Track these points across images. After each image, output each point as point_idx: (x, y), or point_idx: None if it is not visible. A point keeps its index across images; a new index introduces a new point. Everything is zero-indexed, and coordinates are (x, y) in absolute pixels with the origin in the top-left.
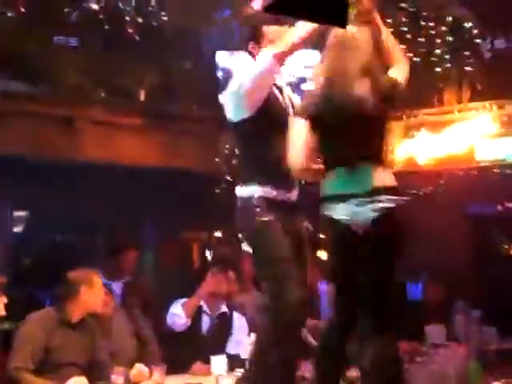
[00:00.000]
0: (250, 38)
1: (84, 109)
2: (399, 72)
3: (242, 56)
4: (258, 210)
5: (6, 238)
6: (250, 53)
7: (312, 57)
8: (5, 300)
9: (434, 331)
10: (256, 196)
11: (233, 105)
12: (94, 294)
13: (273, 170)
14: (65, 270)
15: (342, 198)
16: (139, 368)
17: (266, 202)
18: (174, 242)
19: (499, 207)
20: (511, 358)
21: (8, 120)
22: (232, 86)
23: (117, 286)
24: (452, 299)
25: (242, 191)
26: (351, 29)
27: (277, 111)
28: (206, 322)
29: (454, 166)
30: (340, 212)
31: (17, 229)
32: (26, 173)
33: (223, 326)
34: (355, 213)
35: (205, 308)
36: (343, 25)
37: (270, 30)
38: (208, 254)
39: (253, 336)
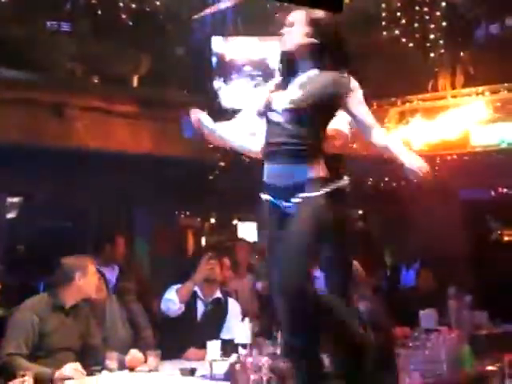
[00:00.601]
0: None
1: (76, 95)
2: None
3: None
4: None
5: (1, 225)
6: None
7: None
8: None
9: (427, 316)
10: None
11: None
12: (88, 280)
13: None
14: (58, 257)
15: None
16: (134, 354)
17: None
18: (168, 229)
19: (492, 192)
20: (503, 343)
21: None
22: None
23: (110, 272)
24: (445, 284)
25: None
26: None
27: None
28: (200, 308)
29: (448, 152)
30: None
31: (10, 215)
32: (18, 160)
33: (217, 312)
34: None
35: (199, 293)
36: (339, 8)
37: None
38: (202, 241)
39: (246, 321)
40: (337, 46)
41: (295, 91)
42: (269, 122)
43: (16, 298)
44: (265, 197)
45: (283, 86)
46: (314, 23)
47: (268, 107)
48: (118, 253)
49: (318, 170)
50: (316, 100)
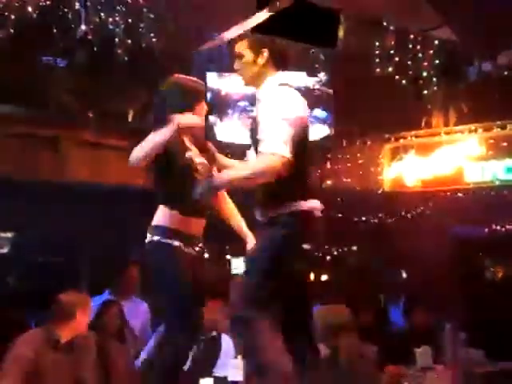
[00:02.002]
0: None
1: (71, 130)
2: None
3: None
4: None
5: None
6: None
7: None
8: None
9: (423, 354)
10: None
11: None
12: (86, 316)
13: None
14: (51, 292)
15: None
16: None
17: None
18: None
19: (486, 229)
20: (499, 381)
21: None
22: None
23: (128, 305)
24: (439, 322)
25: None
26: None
27: None
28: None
29: (441, 188)
30: None
31: (2, 250)
32: (11, 193)
33: (210, 349)
34: None
35: None
36: (333, 45)
37: None
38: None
39: (239, 358)
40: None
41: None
42: None
43: (5, 332)
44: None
45: None
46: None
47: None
48: (130, 284)
49: None
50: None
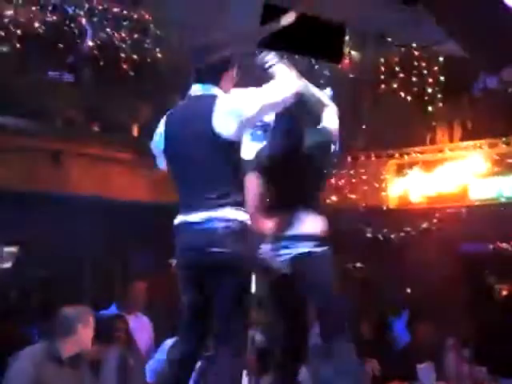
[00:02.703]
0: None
1: (76, 143)
2: (331, 118)
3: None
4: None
5: None
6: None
7: None
8: None
9: (425, 370)
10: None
11: None
12: (88, 331)
13: None
14: (54, 306)
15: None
16: None
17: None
18: (164, 277)
19: (491, 246)
20: None
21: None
22: None
23: (134, 321)
24: (443, 338)
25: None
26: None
27: None
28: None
29: (446, 205)
30: (265, 249)
31: (6, 265)
32: (14, 206)
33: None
34: (276, 253)
35: None
36: (338, 60)
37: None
38: None
39: (244, 374)
40: None
41: None
42: None
43: (8, 346)
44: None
45: None
46: None
47: None
48: (140, 300)
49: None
50: None
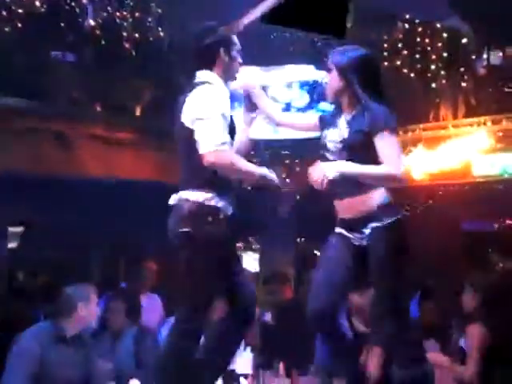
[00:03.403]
0: (204, 62)
1: (80, 124)
2: None
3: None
4: None
5: (2, 254)
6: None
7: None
8: None
9: (428, 348)
10: None
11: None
12: (90, 310)
13: None
14: (60, 286)
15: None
16: None
17: None
18: (171, 257)
19: (495, 224)
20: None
21: (4, 136)
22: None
23: (146, 300)
24: (447, 316)
25: None
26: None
27: None
28: None
29: (449, 182)
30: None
31: (12, 244)
32: (20, 188)
33: None
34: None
35: None
36: (342, 35)
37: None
38: None
39: (248, 351)
40: (367, 83)
41: (345, 130)
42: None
43: (18, 329)
44: (337, 230)
45: (333, 122)
46: (341, 69)
47: (322, 146)
48: (151, 279)
49: (382, 198)
50: (364, 138)
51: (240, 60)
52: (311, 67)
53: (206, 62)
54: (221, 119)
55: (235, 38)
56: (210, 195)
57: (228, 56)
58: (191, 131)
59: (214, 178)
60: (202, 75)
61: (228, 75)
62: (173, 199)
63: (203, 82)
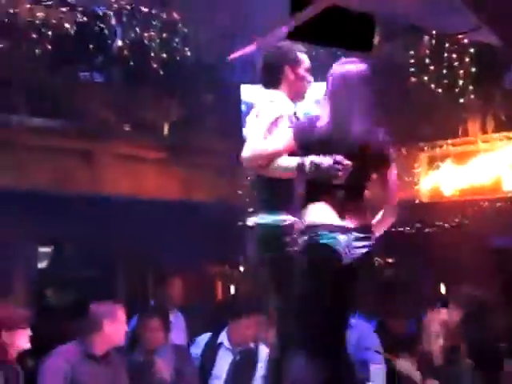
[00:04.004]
0: (270, 80)
1: (107, 143)
2: None
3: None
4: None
5: (32, 274)
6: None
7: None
8: (29, 333)
9: None
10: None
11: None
12: (116, 327)
13: None
14: (88, 304)
15: (342, 229)
16: None
17: None
18: (197, 276)
19: None
20: None
21: (32, 155)
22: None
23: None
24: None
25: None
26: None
27: None
28: (226, 358)
29: (479, 197)
30: (337, 242)
31: (41, 264)
32: (48, 208)
33: (247, 362)
34: (350, 245)
35: (225, 343)
36: (369, 49)
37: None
38: (231, 289)
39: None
40: None
41: None
42: None
43: (47, 347)
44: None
45: None
46: None
47: None
48: (174, 295)
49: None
50: None
51: (309, 79)
52: None
53: (271, 80)
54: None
55: (303, 56)
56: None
57: (294, 74)
58: None
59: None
60: (266, 94)
61: (295, 94)
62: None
63: (265, 101)
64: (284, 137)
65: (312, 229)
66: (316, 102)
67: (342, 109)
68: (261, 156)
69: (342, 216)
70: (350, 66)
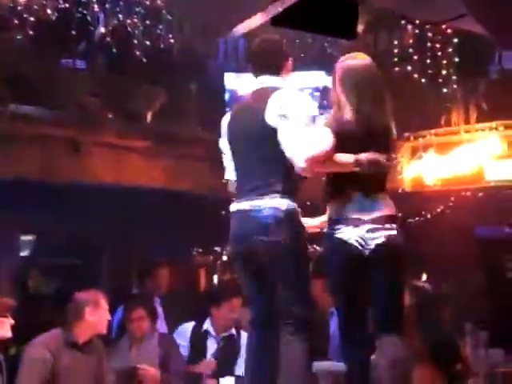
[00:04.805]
0: (268, 67)
1: (91, 131)
2: None
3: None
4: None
5: (14, 262)
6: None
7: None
8: (11, 321)
9: None
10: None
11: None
12: (99, 315)
13: None
14: (71, 293)
15: (355, 222)
16: None
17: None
18: (180, 266)
19: (507, 229)
20: None
21: (16, 143)
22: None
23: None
24: (459, 322)
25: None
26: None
27: None
28: (211, 345)
29: (462, 187)
30: (351, 235)
31: (25, 253)
32: (33, 196)
33: (230, 348)
34: (366, 237)
35: (211, 331)
36: (352, 37)
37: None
38: (214, 279)
39: None
40: None
41: None
42: None
43: (29, 335)
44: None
45: None
46: None
47: None
48: (159, 284)
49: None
50: None
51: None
52: (322, 73)
53: (271, 67)
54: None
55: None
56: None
57: (291, 68)
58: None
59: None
60: (271, 80)
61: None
62: (248, 205)
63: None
64: (328, 133)
65: (330, 223)
66: (316, 90)
67: (364, 100)
68: (319, 160)
69: (363, 209)
70: (358, 59)
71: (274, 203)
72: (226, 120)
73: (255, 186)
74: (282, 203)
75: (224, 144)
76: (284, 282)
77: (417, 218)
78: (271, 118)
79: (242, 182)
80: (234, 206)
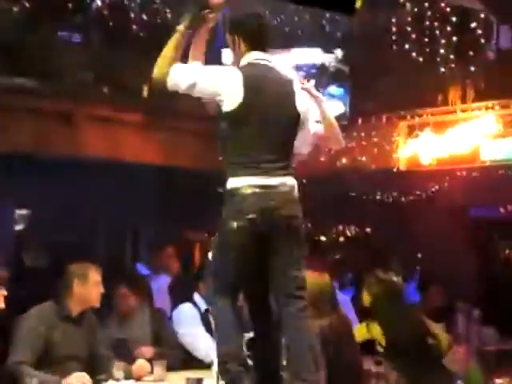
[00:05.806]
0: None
1: (86, 105)
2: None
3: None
4: None
5: (9, 236)
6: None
7: None
8: (4, 293)
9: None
10: None
11: None
12: (87, 287)
13: None
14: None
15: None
16: (140, 363)
17: None
18: (175, 242)
19: (502, 209)
20: (510, 359)
21: (9, 116)
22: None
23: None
24: (453, 300)
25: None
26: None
27: None
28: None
29: (457, 166)
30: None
31: (18, 226)
32: (25, 169)
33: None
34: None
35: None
36: (351, 13)
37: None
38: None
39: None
40: None
41: None
42: None
43: (24, 307)
44: None
45: None
46: None
47: None
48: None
49: None
50: None
51: None
52: (318, 50)
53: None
54: None
55: None
56: None
57: None
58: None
59: None
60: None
61: None
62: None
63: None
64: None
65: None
66: (295, 70)
67: None
68: None
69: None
70: None
71: (294, 182)
72: (240, 80)
73: (282, 165)
74: (296, 183)
75: (237, 100)
76: (298, 255)
77: (411, 197)
78: (302, 108)
79: (264, 157)
80: (253, 180)
